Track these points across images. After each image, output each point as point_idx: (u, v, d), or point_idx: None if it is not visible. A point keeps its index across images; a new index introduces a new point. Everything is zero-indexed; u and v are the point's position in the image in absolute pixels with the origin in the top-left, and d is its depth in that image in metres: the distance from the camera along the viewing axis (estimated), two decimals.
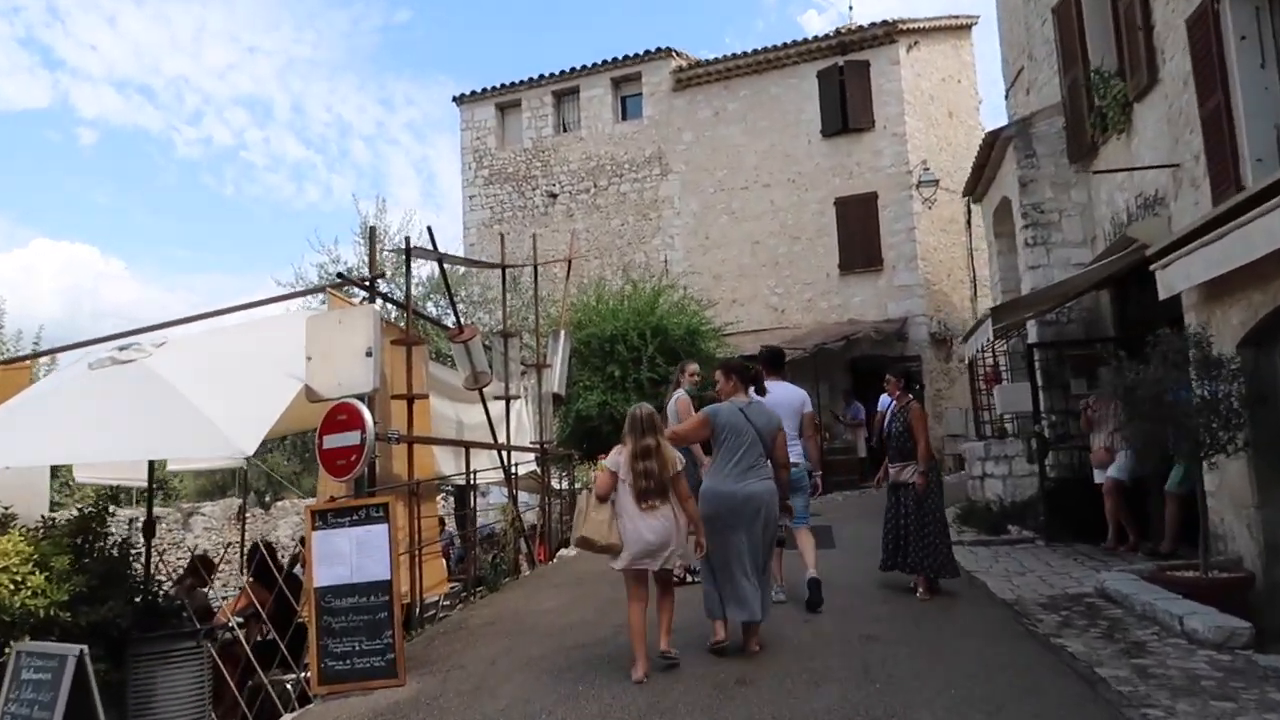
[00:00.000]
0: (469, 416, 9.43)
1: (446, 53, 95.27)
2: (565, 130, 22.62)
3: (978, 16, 21.08)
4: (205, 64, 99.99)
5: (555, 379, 10.92)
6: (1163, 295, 6.75)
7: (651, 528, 4.99)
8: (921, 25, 19.71)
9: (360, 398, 5.82)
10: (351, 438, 5.71)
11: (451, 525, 12.68)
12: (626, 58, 21.68)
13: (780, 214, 19.99)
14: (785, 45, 20.02)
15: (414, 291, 14.30)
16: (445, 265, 8.03)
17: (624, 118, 22.10)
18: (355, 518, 5.58)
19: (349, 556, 5.49)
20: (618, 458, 5.19)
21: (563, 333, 11.28)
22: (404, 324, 7.37)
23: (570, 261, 12.26)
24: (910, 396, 7.19)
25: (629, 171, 21.61)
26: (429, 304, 17.52)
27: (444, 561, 8.88)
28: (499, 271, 10.26)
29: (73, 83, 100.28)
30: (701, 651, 5.38)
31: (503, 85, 23.01)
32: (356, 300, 7.09)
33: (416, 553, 6.94)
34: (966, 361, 12.32)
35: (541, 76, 22.54)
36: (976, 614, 6.42)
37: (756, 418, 5.49)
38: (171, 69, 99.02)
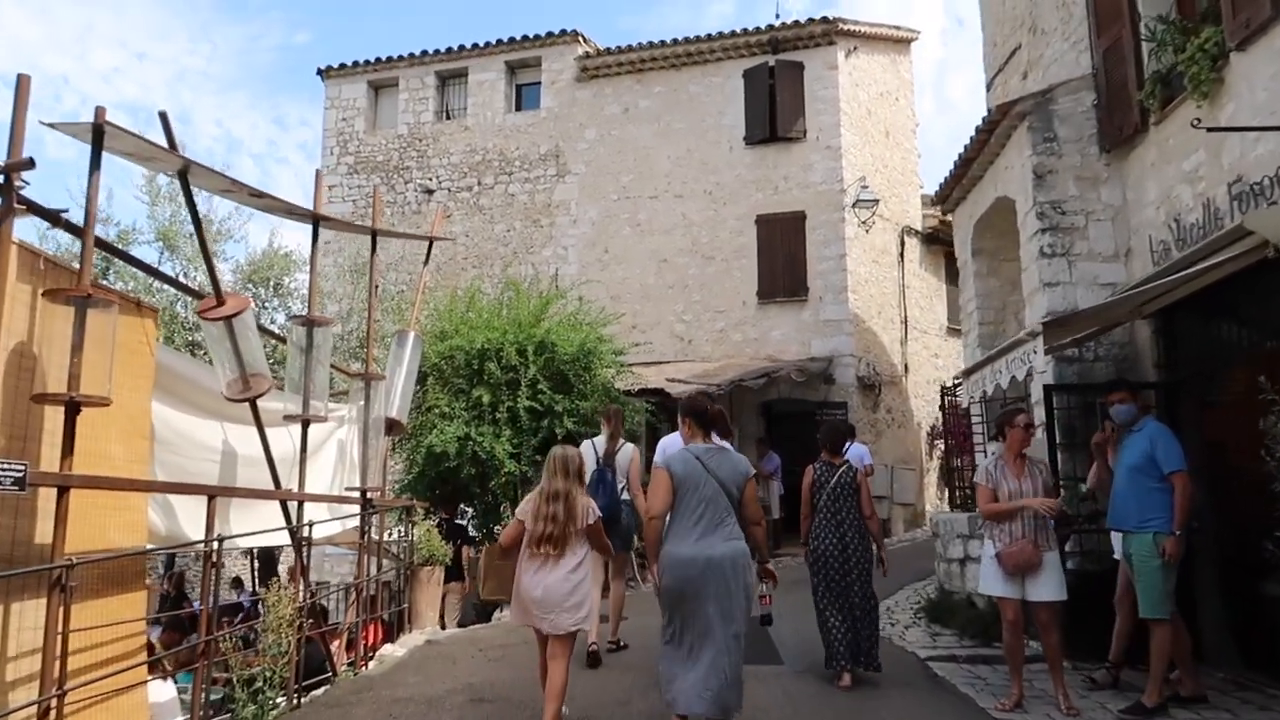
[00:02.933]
0: (254, 446, 6.08)
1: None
2: (449, 117, 19.40)
3: (919, 32, 19.04)
4: (89, 65, 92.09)
5: (393, 398, 7.64)
6: None
7: (539, 581, 4.64)
8: (863, 30, 17.44)
9: None
10: None
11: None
12: (525, 39, 18.70)
13: (693, 229, 17.24)
14: (709, 37, 17.42)
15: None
16: (192, 182, 4.74)
17: (518, 108, 19.06)
18: None
19: None
20: (528, 505, 4.81)
21: (411, 335, 8.02)
22: (79, 263, 4.01)
23: (432, 242, 9.04)
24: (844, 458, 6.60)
25: (520, 169, 18.53)
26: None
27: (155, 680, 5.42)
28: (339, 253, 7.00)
29: None
30: None
31: (378, 60, 19.67)
32: None
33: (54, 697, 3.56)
34: (944, 408, 9.60)
35: (424, 53, 19.32)
36: None
37: (718, 467, 4.60)
38: (52, 67, 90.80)
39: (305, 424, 6.07)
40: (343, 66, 19.79)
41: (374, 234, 7.25)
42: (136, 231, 13.74)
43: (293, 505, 6.06)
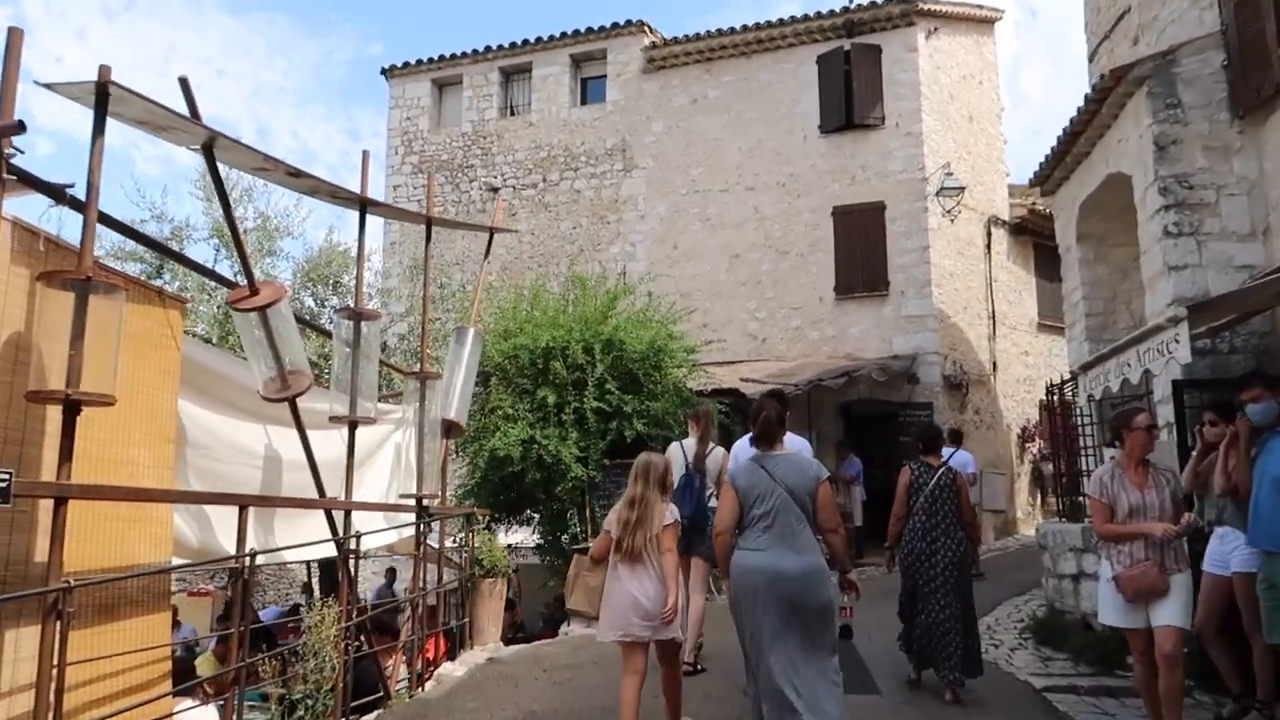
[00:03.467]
0: (322, 449, 5.61)
1: None
2: (513, 114, 19.00)
3: (1002, 11, 18.00)
4: (172, 82, 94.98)
5: (451, 399, 7.14)
6: None
7: (627, 590, 4.48)
8: (943, 9, 16.50)
9: None
10: None
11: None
12: (590, 31, 18.19)
13: (766, 223, 16.51)
14: (780, 22, 16.67)
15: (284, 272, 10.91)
16: (221, 158, 4.25)
17: (583, 102, 18.56)
18: None
19: None
20: (612, 516, 4.72)
21: (470, 332, 7.50)
22: (83, 245, 3.52)
23: (492, 235, 8.59)
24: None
25: (586, 165, 18.03)
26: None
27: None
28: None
29: (33, 92, 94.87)
30: None
31: (441, 58, 19.38)
32: None
33: None
34: (1052, 408, 8.72)
35: (488, 49, 18.96)
36: None
37: (785, 474, 4.28)
38: (138, 86, 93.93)
39: (353, 426, 5.57)
40: (406, 65, 19.56)
41: (429, 222, 6.77)
42: (191, 228, 13.43)
43: (340, 514, 5.57)
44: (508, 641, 10.93)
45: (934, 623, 5.85)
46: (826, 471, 4.55)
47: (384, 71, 19.77)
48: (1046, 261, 18.00)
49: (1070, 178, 9.33)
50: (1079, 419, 8.72)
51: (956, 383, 15.46)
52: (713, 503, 6.23)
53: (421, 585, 6.55)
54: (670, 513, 4.64)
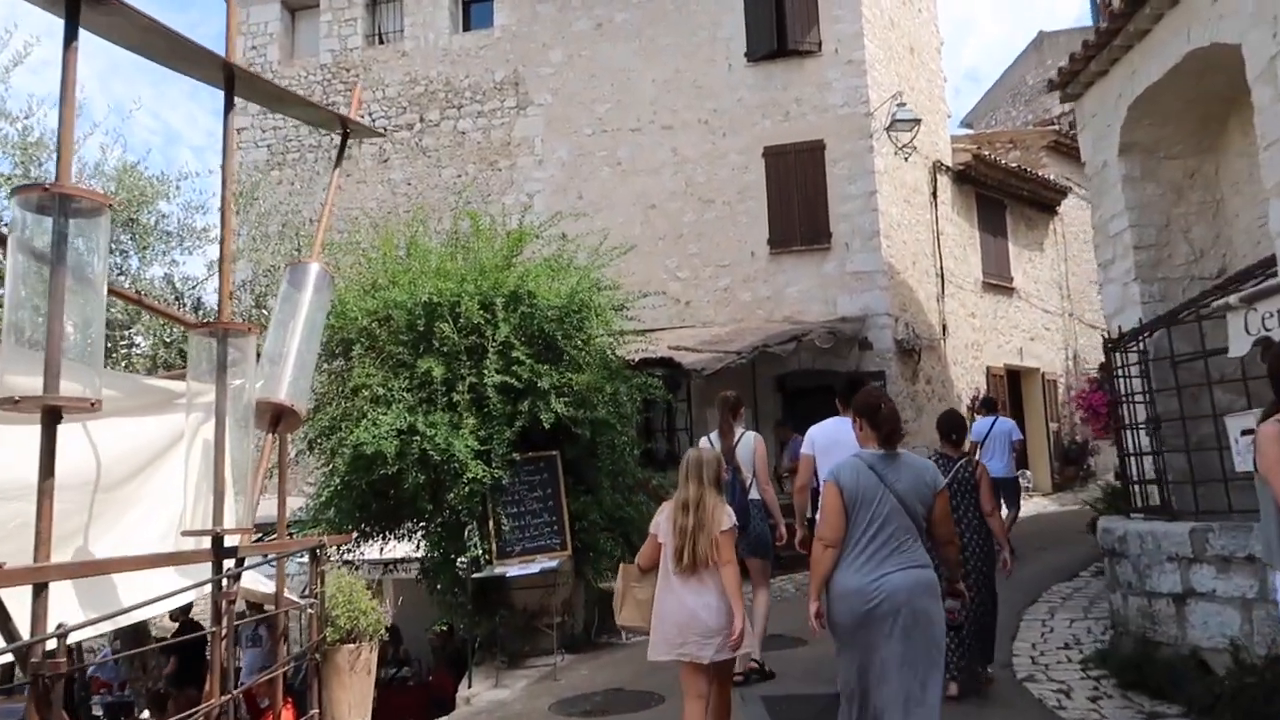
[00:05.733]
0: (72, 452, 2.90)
1: None
2: (382, 42, 16.04)
3: None
4: (9, 54, 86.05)
5: (281, 371, 4.44)
6: None
7: (683, 604, 4.15)
8: None
9: None
10: None
11: None
12: None
13: (686, 167, 14.13)
14: None
15: None
16: None
17: (466, 27, 15.77)
18: None
19: None
20: (661, 519, 4.38)
21: (313, 270, 4.78)
22: None
23: (346, 137, 5.77)
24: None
25: (471, 102, 15.25)
26: None
27: None
28: None
29: None
30: None
31: None
32: None
33: None
34: (1111, 371, 6.56)
35: None
36: None
37: (897, 478, 3.80)
38: None
39: (51, 415, 2.87)
40: None
41: (229, 70, 4.04)
42: None
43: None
44: (384, 686, 8.28)
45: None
46: (943, 479, 4.12)
47: None
48: (989, 214, 16.31)
49: (1111, 71, 7.24)
50: (1123, 383, 6.61)
51: (909, 348, 13.47)
52: (753, 494, 5.95)
53: (216, 681, 3.87)
54: (729, 516, 4.27)
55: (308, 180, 15.82)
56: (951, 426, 5.89)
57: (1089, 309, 18.78)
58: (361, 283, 8.22)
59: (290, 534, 7.61)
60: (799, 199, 13.56)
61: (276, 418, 4.58)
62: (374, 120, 15.61)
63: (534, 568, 7.01)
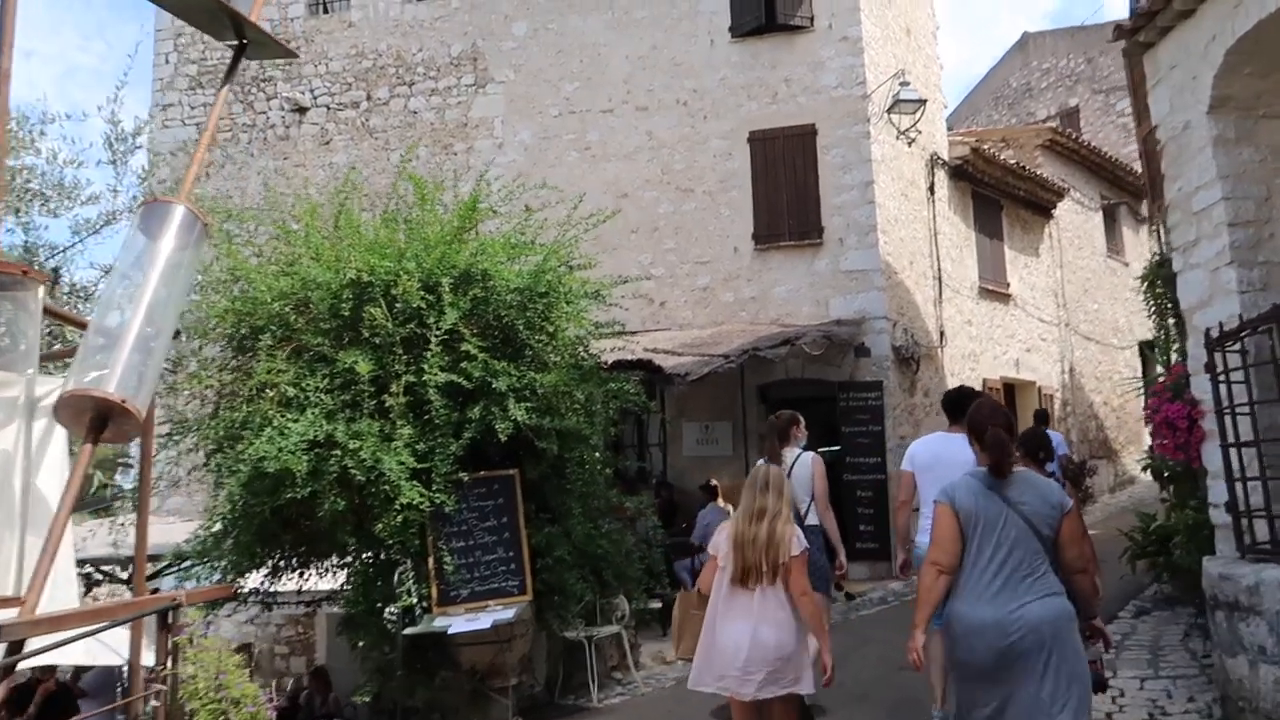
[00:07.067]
0: None
1: None
2: (326, 11, 14.46)
3: None
4: None
5: (117, 352, 2.93)
6: None
7: (735, 630, 3.74)
8: None
9: None
10: None
11: None
12: None
13: (663, 153, 12.74)
14: None
15: None
16: None
17: None
18: None
19: None
20: (720, 538, 4.01)
21: (178, 212, 3.27)
22: None
23: (243, 45, 4.18)
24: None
25: (425, 78, 13.74)
26: None
27: None
28: None
29: None
30: None
31: None
32: None
33: None
34: (1217, 373, 5.22)
35: None
36: None
37: (1020, 498, 3.44)
38: None
39: None
40: None
41: None
42: None
43: None
44: None
45: None
46: (1071, 500, 3.66)
47: None
48: (986, 214, 15.12)
49: (1200, 9, 5.94)
50: (1225, 391, 5.30)
51: (908, 356, 12.17)
52: (811, 519, 5.28)
53: None
54: (799, 540, 3.86)
55: (242, 164, 14.19)
56: (1038, 444, 4.93)
57: (1084, 319, 17.70)
58: (278, 259, 6.67)
59: (177, 571, 5.93)
60: (788, 189, 12.22)
61: (101, 420, 3.07)
62: (315, 99, 14.06)
63: (484, 620, 5.46)
